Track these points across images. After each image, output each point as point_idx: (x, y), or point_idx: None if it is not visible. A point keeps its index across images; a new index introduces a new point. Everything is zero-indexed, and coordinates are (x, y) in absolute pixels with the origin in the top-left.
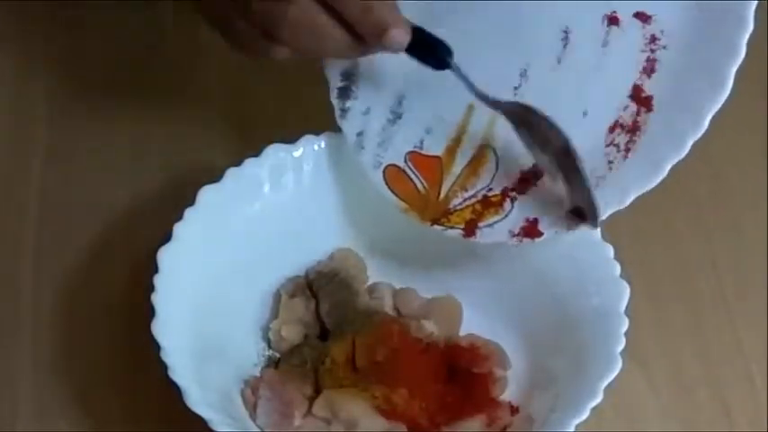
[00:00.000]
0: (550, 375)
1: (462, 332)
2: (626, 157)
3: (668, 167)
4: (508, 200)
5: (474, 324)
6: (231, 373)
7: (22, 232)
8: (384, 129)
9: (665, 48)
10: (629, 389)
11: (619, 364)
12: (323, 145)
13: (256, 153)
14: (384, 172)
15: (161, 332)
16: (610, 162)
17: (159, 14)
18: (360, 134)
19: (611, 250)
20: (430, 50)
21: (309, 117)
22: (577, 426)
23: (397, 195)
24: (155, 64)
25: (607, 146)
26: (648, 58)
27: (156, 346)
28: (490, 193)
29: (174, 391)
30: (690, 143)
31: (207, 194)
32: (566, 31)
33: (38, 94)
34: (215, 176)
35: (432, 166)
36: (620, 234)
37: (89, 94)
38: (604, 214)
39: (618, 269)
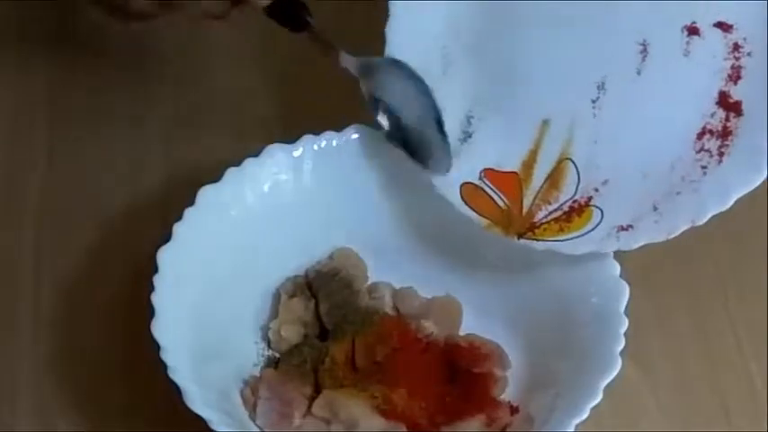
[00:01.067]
0: (550, 375)
1: (462, 332)
2: (720, 161)
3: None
4: (596, 210)
5: (474, 324)
6: (231, 372)
7: (22, 232)
8: (455, 148)
9: (749, 54)
10: (629, 389)
11: (619, 364)
12: (323, 145)
13: (256, 153)
14: (460, 190)
15: (161, 332)
16: (703, 167)
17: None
18: None
19: None
20: (290, 11)
21: (310, 117)
22: (577, 426)
23: (477, 212)
24: (155, 64)
25: (698, 152)
26: (733, 65)
27: (156, 346)
28: (576, 205)
29: (174, 391)
30: None
31: (207, 194)
32: (643, 44)
33: (38, 94)
34: (215, 176)
35: (510, 182)
36: None
37: (89, 94)
38: (705, 217)
39: (618, 269)
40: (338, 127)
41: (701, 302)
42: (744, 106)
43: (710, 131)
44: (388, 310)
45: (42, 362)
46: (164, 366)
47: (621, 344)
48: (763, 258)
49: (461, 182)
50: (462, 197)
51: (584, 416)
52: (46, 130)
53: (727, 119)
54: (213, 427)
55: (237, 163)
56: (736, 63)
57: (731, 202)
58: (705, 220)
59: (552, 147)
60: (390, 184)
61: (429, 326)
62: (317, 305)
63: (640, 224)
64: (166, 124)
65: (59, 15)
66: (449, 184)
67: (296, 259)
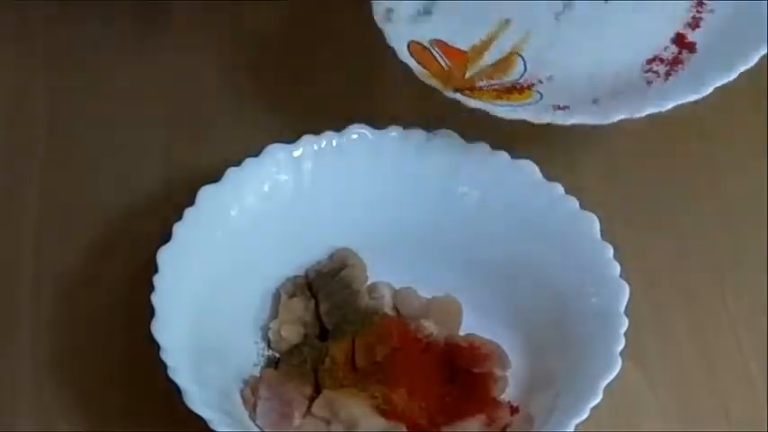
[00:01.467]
0: (550, 375)
1: (462, 332)
2: (666, 80)
3: (713, 86)
4: (537, 93)
5: (474, 324)
6: (231, 372)
7: (22, 232)
8: (413, 17)
9: (711, 11)
10: (628, 389)
11: (618, 364)
12: (323, 145)
13: (256, 153)
14: (408, 45)
15: (161, 332)
16: (649, 82)
17: (158, 13)
18: (389, 10)
19: (611, 250)
20: None
21: (309, 117)
22: (577, 426)
23: (420, 65)
24: (155, 63)
25: (645, 72)
26: (694, 16)
27: (156, 346)
28: (517, 85)
29: (174, 391)
30: (739, 70)
31: (207, 194)
32: None
33: (38, 93)
34: (215, 176)
35: (457, 55)
36: (620, 234)
37: (89, 93)
38: (643, 112)
39: (618, 269)
40: (338, 127)
41: (701, 302)
42: (698, 47)
43: (660, 59)
44: (388, 310)
45: (42, 362)
46: (164, 366)
47: (621, 344)
48: (762, 258)
49: (411, 39)
50: (409, 50)
51: (584, 416)
52: (46, 130)
53: (679, 53)
54: (213, 427)
55: (237, 163)
56: (698, 15)
57: (669, 107)
58: (642, 115)
59: (506, 42)
60: (390, 184)
61: (429, 326)
62: (317, 305)
63: (578, 108)
64: (166, 124)
65: (60, 14)
66: (398, 36)
67: (296, 259)
